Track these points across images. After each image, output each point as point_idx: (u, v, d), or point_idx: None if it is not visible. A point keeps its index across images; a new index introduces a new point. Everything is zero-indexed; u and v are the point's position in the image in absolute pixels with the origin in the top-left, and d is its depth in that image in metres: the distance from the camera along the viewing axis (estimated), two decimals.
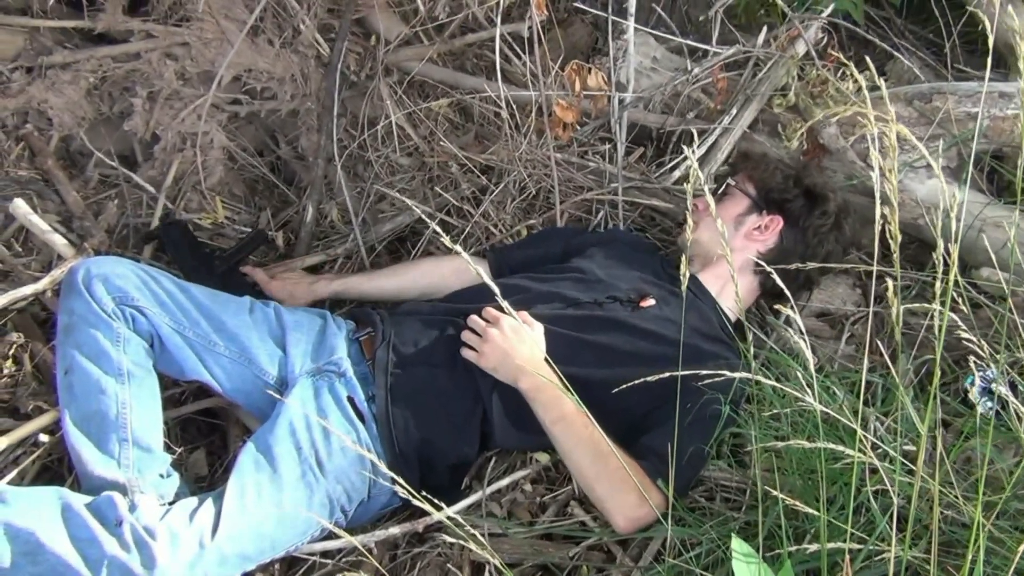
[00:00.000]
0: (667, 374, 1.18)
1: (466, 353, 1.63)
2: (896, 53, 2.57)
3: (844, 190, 1.93)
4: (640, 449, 1.52)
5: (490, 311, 1.63)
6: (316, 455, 1.52)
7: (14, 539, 1.29)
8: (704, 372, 1.17)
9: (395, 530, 1.57)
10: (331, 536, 1.54)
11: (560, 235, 2.05)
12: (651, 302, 1.73)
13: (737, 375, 1.11)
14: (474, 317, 1.64)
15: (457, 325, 1.69)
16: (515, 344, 1.58)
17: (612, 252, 1.89)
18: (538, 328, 1.62)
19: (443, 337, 1.69)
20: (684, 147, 1.08)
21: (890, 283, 0.92)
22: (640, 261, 1.87)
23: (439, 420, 1.63)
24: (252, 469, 1.49)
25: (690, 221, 1.08)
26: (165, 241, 2.05)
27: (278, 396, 1.53)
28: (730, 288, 1.79)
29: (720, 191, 1.91)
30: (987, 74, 1.03)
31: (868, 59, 1.01)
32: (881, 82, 0.98)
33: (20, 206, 1.96)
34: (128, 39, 2.24)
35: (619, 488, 1.48)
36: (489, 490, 1.66)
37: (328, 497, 1.52)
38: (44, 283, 1.83)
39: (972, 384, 1.60)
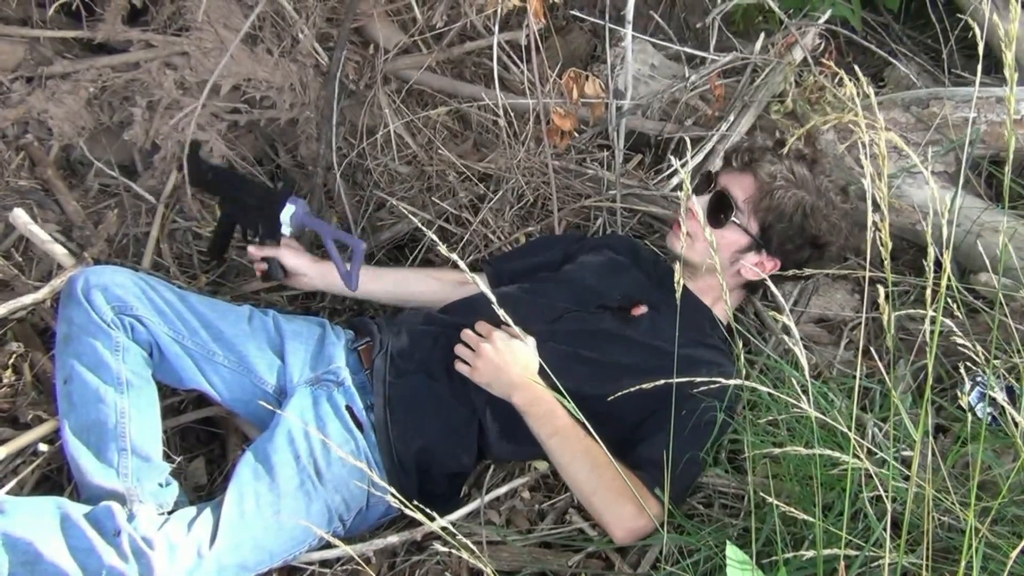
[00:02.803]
0: (662, 381, 1.17)
1: (460, 367, 1.63)
2: (893, 59, 2.57)
3: (855, 202, 1.79)
4: (636, 459, 1.52)
5: (483, 325, 1.63)
6: (315, 464, 1.52)
7: (13, 549, 1.30)
8: (698, 379, 1.17)
9: (393, 539, 1.58)
10: (329, 545, 1.54)
11: (559, 243, 2.04)
12: (643, 310, 1.72)
13: (731, 382, 1.12)
14: (467, 331, 1.64)
15: (452, 336, 1.68)
16: (508, 359, 1.58)
17: (604, 259, 1.87)
18: (531, 342, 1.61)
19: (440, 347, 1.69)
20: (673, 158, 1.09)
21: (881, 290, 0.92)
22: (633, 268, 1.85)
23: (436, 429, 1.63)
24: (251, 478, 1.49)
25: (683, 236, 1.09)
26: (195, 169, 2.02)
27: (276, 409, 1.53)
28: (718, 304, 1.78)
29: (726, 219, 1.73)
30: (977, 79, 1.03)
31: (857, 68, 1.02)
32: (871, 90, 0.99)
33: (20, 216, 1.97)
34: (128, 49, 2.25)
35: (616, 500, 1.48)
36: (487, 498, 1.66)
37: (326, 506, 1.53)
38: (44, 292, 1.84)
39: (968, 390, 1.59)
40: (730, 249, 1.73)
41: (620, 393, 1.31)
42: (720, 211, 1.73)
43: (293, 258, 1.87)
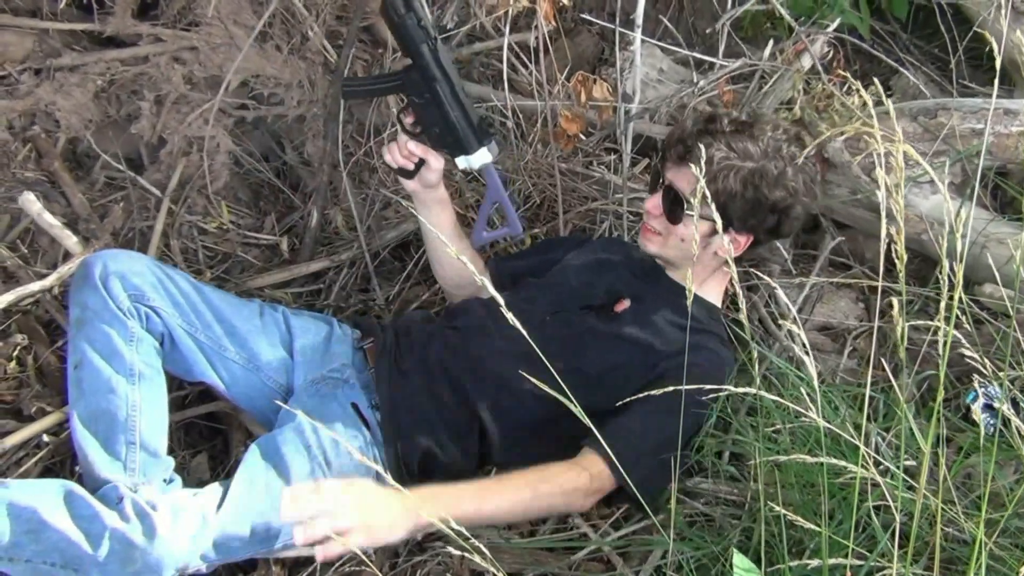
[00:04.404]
0: (671, 389, 1.18)
1: (328, 550, 1.25)
2: (901, 68, 2.58)
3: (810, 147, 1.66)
4: (613, 428, 1.48)
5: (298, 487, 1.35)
6: (324, 454, 1.51)
7: (16, 518, 1.29)
8: (707, 387, 1.16)
9: None
10: None
11: (565, 244, 2.01)
12: (625, 304, 1.70)
13: (733, 389, 1.12)
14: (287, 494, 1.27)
15: (448, 337, 1.68)
16: (371, 500, 1.33)
17: (590, 259, 1.84)
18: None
19: (435, 347, 1.68)
20: (692, 165, 1.09)
21: (895, 301, 0.92)
22: (619, 265, 1.82)
23: (439, 432, 1.62)
24: (262, 463, 1.48)
25: (693, 242, 1.09)
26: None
27: (285, 405, 1.53)
28: (705, 286, 1.75)
29: (681, 213, 1.67)
30: (995, 91, 1.04)
31: (876, 79, 1.02)
32: (888, 101, 0.99)
33: (32, 201, 1.95)
34: (137, 43, 2.25)
35: (561, 486, 1.48)
36: None
37: None
38: (51, 280, 1.83)
39: (974, 401, 1.60)
40: (697, 234, 1.71)
41: (619, 398, 1.31)
42: (673, 208, 1.68)
43: (436, 174, 1.73)
